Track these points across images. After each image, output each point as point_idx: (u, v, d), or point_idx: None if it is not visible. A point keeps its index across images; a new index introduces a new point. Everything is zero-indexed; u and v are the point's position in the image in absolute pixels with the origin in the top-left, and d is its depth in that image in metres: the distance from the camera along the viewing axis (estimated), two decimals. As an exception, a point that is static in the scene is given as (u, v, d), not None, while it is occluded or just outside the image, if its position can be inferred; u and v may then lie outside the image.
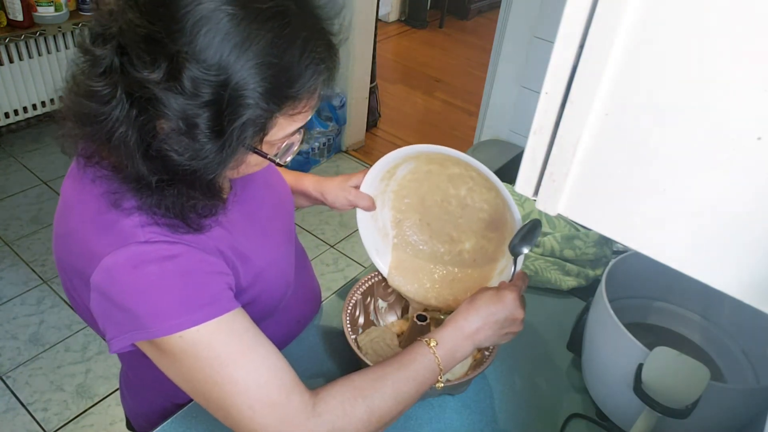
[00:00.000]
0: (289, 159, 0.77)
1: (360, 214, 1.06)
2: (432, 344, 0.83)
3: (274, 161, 0.73)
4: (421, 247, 1.09)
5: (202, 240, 0.75)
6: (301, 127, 0.73)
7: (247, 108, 0.63)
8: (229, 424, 0.74)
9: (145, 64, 0.62)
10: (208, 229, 0.76)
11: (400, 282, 1.07)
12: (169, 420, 0.96)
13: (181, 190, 0.70)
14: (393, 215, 1.09)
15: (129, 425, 1.15)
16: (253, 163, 0.74)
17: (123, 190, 0.70)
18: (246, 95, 0.63)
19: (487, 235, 1.04)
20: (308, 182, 1.08)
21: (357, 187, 1.04)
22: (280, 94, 0.65)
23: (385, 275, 1.08)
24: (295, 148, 0.77)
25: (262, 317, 0.87)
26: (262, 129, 0.67)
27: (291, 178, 1.10)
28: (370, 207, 1.04)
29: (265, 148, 0.71)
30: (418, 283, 1.06)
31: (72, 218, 0.75)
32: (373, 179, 1.03)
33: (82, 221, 0.73)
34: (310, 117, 0.73)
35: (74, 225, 0.74)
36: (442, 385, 0.85)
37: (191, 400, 0.98)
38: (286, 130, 0.71)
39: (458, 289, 1.06)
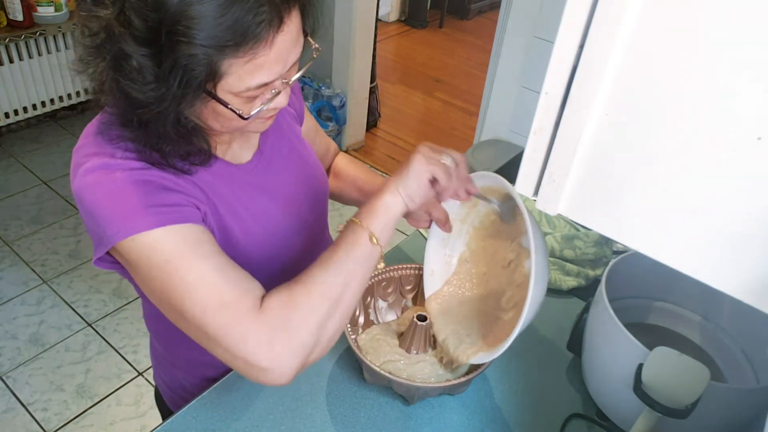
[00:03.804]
0: (254, 113, 0.75)
1: (435, 230, 1.03)
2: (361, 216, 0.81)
3: (235, 112, 0.73)
4: (467, 294, 1.05)
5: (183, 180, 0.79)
6: (268, 84, 0.72)
7: (183, 45, 0.65)
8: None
9: (100, 3, 0.66)
10: (191, 173, 0.80)
11: (437, 319, 1.03)
12: (198, 397, 0.97)
13: (155, 130, 0.73)
14: (463, 252, 1.05)
15: (158, 399, 1.16)
16: (226, 115, 0.74)
17: (113, 121, 0.76)
18: (183, 33, 0.64)
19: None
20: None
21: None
22: (216, 34, 0.65)
23: (427, 296, 1.05)
24: (269, 107, 0.76)
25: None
26: (212, 71, 0.67)
27: (380, 181, 1.11)
28: (444, 220, 1.00)
29: (228, 99, 0.72)
30: (452, 326, 1.02)
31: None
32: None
33: (79, 145, 0.80)
34: (278, 75, 0.72)
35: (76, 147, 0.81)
36: (380, 247, 0.80)
37: (222, 374, 1.01)
38: (246, 81, 0.70)
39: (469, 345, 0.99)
